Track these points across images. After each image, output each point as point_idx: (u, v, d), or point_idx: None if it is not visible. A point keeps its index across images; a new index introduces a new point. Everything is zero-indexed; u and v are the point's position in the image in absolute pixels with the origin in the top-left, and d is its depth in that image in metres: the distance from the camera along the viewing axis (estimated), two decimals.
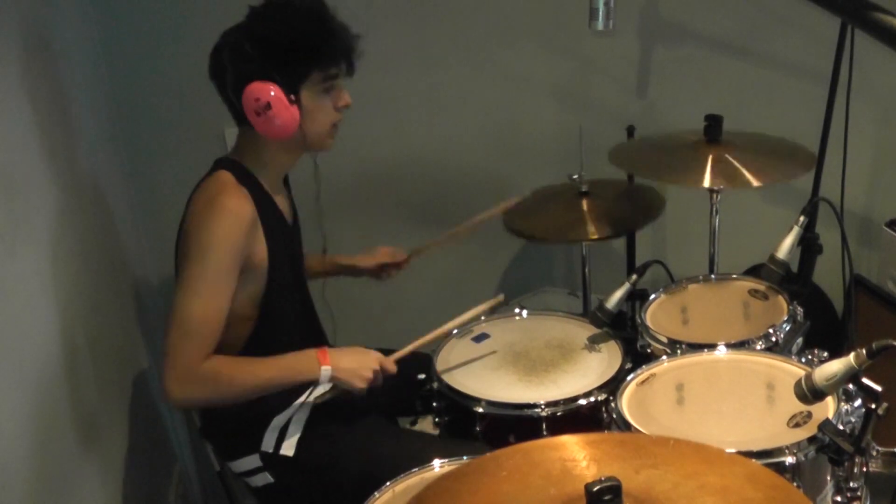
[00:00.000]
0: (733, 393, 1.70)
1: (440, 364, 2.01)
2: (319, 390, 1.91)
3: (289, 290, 1.96)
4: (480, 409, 1.85)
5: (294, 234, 2.03)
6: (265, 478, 1.93)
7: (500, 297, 2.11)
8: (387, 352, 2.04)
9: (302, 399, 1.93)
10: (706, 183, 2.08)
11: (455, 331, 2.12)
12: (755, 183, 2.06)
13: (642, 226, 2.46)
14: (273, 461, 1.91)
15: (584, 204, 2.37)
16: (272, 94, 1.75)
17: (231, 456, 1.96)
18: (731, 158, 2.12)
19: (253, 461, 1.92)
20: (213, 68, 1.83)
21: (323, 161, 2.06)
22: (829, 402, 1.55)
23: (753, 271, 2.32)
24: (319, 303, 2.19)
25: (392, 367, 1.92)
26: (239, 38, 1.78)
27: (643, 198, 2.47)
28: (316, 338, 2.10)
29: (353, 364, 1.86)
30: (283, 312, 1.94)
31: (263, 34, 1.77)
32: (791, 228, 1.98)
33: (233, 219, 1.76)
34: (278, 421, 1.91)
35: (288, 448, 1.89)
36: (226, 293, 1.77)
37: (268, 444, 1.90)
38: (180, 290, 1.75)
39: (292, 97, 1.78)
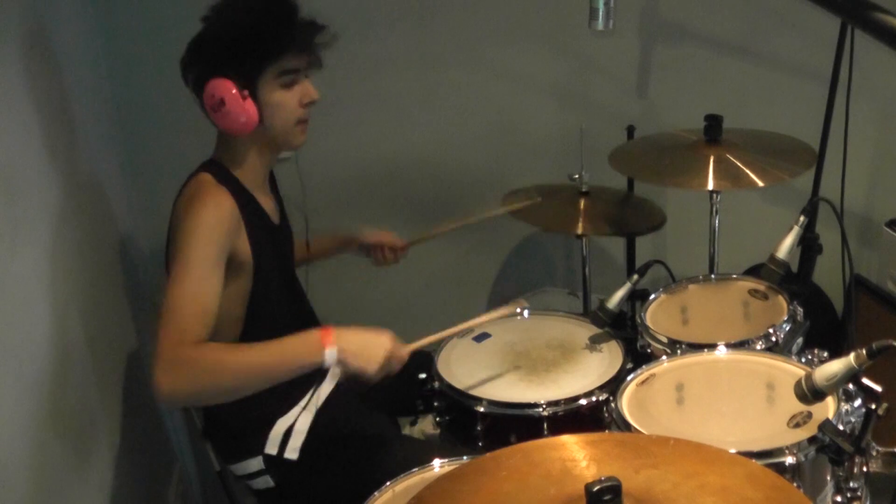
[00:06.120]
0: (733, 393, 1.70)
1: (441, 364, 2.00)
2: (326, 387, 1.90)
3: (277, 290, 1.95)
4: (481, 409, 1.85)
5: (281, 233, 2.00)
6: (266, 481, 1.92)
7: (522, 303, 2.09)
8: None
9: (306, 400, 1.92)
10: (710, 186, 2.08)
11: None
12: (760, 183, 2.05)
13: (641, 233, 2.46)
14: (276, 464, 1.90)
15: (582, 203, 2.37)
16: (225, 89, 1.75)
17: (233, 458, 1.95)
18: (732, 159, 2.11)
19: (255, 464, 1.91)
20: (183, 76, 1.83)
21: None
22: (830, 402, 1.55)
23: (753, 271, 2.31)
24: (316, 301, 2.17)
25: (404, 355, 1.77)
26: (197, 40, 1.81)
27: (642, 208, 2.47)
28: None
29: (361, 343, 1.72)
30: (273, 312, 1.92)
31: (215, 32, 1.79)
32: (791, 228, 1.98)
33: (214, 211, 1.75)
34: (282, 423, 1.90)
35: (292, 451, 1.88)
36: (211, 282, 1.72)
37: (271, 447, 1.89)
38: (167, 284, 1.72)
39: (245, 93, 1.77)
